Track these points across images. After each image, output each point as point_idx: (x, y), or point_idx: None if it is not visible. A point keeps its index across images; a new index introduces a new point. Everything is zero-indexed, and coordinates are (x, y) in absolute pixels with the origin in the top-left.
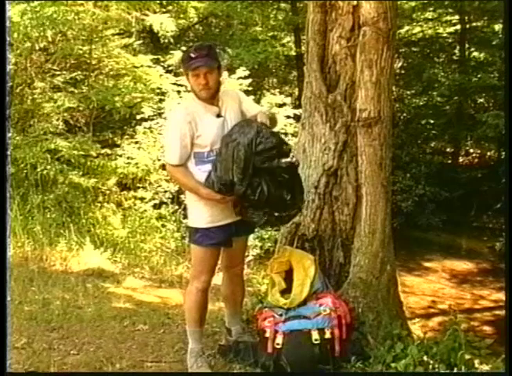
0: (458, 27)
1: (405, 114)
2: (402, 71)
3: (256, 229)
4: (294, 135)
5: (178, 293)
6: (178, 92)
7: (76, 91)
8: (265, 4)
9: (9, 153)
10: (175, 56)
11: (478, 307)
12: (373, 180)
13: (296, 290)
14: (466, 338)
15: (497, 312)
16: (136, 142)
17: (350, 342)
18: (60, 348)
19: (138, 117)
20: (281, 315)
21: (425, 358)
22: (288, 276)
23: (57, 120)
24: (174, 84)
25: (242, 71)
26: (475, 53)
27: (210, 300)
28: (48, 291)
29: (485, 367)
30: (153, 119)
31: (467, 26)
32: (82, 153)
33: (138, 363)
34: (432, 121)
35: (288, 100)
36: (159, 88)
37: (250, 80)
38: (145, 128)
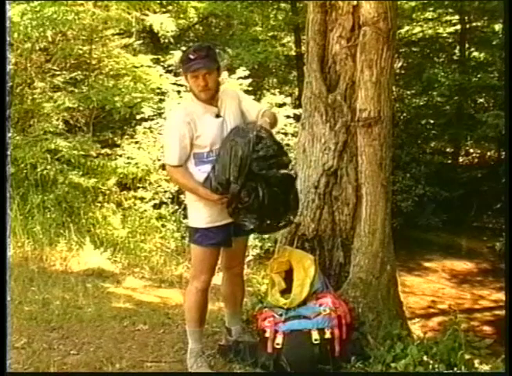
0: (458, 27)
1: (405, 114)
2: (402, 71)
3: None
4: (294, 135)
5: (178, 293)
6: (178, 92)
7: (76, 90)
8: (265, 4)
9: (9, 153)
10: (175, 56)
11: (478, 307)
12: (373, 180)
13: (296, 290)
14: (466, 338)
15: (497, 312)
16: (136, 142)
17: (350, 342)
18: (60, 348)
19: (138, 117)
20: (281, 315)
21: (425, 358)
22: (288, 276)
23: (57, 120)
24: (174, 84)
25: (242, 71)
26: (475, 53)
27: (210, 300)
28: (48, 291)
29: (485, 367)
30: (153, 119)
31: (467, 26)
32: (82, 153)
33: (138, 363)
34: (432, 121)
35: (288, 100)
36: (159, 88)
37: (250, 80)
38: (145, 128)
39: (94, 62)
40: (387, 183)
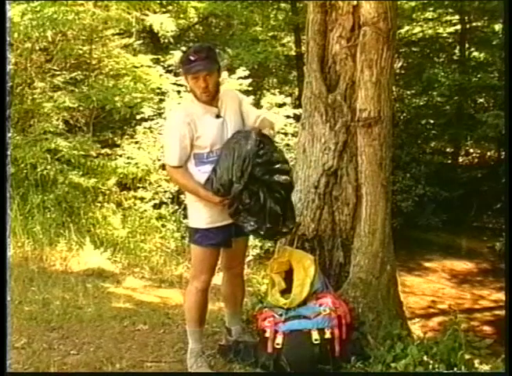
0: (458, 27)
1: (405, 114)
2: (402, 71)
3: None
4: (294, 135)
5: (178, 293)
6: (178, 92)
7: (76, 90)
8: (265, 4)
9: (9, 153)
10: (175, 56)
11: (478, 307)
12: (373, 180)
13: (296, 290)
14: (466, 338)
15: (497, 312)
16: (136, 142)
17: (350, 342)
18: (60, 348)
19: (138, 117)
20: (281, 315)
21: (425, 358)
22: (288, 276)
23: (57, 120)
24: (174, 84)
25: (242, 71)
26: (475, 53)
27: (210, 300)
28: (48, 291)
29: (485, 367)
30: (153, 119)
31: (467, 26)
32: (82, 153)
33: (138, 363)
34: (432, 121)
35: (288, 100)
36: (159, 88)
37: (250, 80)
38: (145, 128)
39: (94, 62)
40: (387, 183)
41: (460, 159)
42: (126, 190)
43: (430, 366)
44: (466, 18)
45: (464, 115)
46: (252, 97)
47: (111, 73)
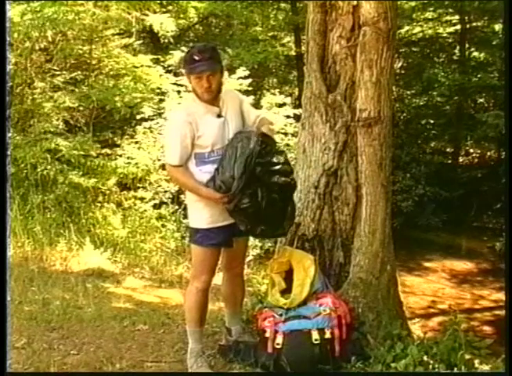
0: (458, 27)
1: (405, 114)
2: (402, 71)
3: None
4: (294, 135)
5: (178, 293)
6: (178, 92)
7: (76, 90)
8: (265, 4)
9: (9, 153)
10: (175, 56)
11: (478, 307)
12: (373, 180)
13: (296, 290)
14: (466, 338)
15: (497, 312)
16: (136, 142)
17: (350, 342)
18: (60, 348)
19: (138, 117)
20: (281, 315)
21: (425, 358)
22: (288, 276)
23: (57, 120)
24: (174, 84)
25: (242, 71)
26: (475, 53)
27: (211, 300)
28: (48, 291)
29: (485, 367)
30: (153, 119)
31: (467, 26)
32: (82, 153)
33: (138, 363)
34: (432, 121)
35: (288, 100)
36: (159, 88)
37: (250, 80)
38: (145, 128)
39: (94, 62)
40: (387, 183)
41: (460, 159)
42: (126, 190)
43: (430, 366)
44: (466, 18)
45: (464, 115)
46: (252, 97)
47: (111, 73)
